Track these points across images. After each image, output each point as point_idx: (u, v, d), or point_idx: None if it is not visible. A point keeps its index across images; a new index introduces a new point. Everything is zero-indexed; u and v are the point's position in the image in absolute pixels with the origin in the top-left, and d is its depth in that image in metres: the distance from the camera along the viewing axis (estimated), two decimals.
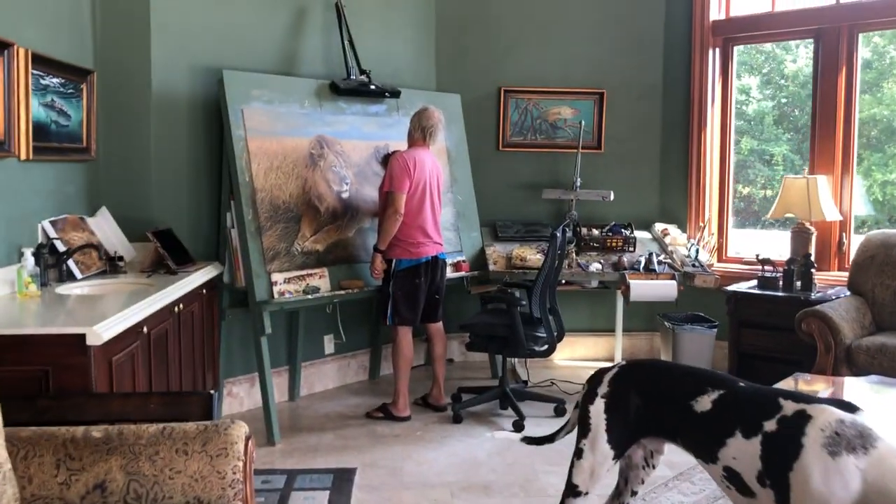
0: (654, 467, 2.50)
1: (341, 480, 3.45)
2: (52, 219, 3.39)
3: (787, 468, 1.93)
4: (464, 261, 4.92)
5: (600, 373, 2.41)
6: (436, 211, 4.33)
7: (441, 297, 4.42)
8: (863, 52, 4.90)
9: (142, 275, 3.58)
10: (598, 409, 2.32)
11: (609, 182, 5.38)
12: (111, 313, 2.61)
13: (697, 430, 2.17)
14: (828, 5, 4.90)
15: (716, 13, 5.34)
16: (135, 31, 3.94)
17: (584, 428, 2.35)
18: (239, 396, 4.45)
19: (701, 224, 5.39)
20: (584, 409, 2.36)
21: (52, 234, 3.33)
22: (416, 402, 4.51)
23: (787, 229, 4.93)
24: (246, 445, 2.14)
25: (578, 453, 2.35)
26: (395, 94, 4.71)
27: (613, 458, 2.33)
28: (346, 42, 4.59)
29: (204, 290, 3.78)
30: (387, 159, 4.47)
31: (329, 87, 4.45)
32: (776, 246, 5.12)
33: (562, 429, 2.63)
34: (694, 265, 4.94)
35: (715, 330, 4.93)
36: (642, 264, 4.91)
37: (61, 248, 3.32)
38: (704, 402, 2.15)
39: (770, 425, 2.00)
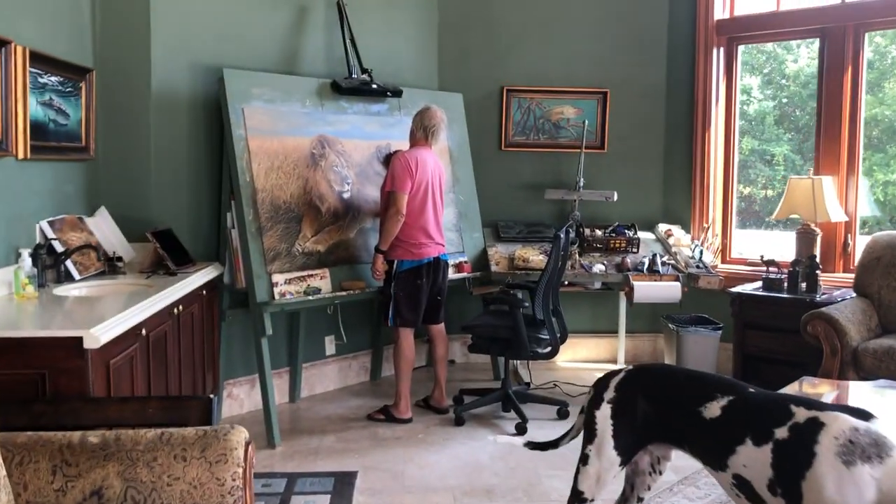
0: (660, 473, 2.46)
1: (342, 484, 3.42)
2: (50, 219, 3.36)
3: (800, 477, 1.89)
4: (466, 262, 4.88)
5: (607, 377, 2.38)
6: (438, 211, 4.29)
7: (443, 298, 4.39)
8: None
9: (141, 276, 3.55)
10: (604, 415, 2.29)
11: (612, 182, 5.34)
12: (109, 315, 2.57)
13: (706, 437, 2.13)
14: (833, 4, 4.86)
15: (720, 12, 5.30)
16: (134, 29, 3.91)
17: (589, 433, 2.32)
18: (239, 398, 4.42)
19: (705, 225, 5.35)
20: (590, 414, 2.33)
21: (50, 234, 3.29)
22: (418, 403, 4.48)
23: (789, 230, 4.89)
24: (246, 451, 2.09)
25: (584, 459, 2.32)
26: (397, 93, 4.68)
27: (620, 465, 2.29)
28: (347, 41, 4.56)
29: (204, 291, 3.75)
30: (388, 159, 4.43)
31: (331, 86, 4.41)
32: (780, 247, 5.09)
33: (566, 434, 2.60)
34: (698, 266, 4.90)
35: (719, 332, 4.89)
36: (646, 265, 4.88)
37: (59, 248, 3.28)
38: (713, 409, 2.12)
39: (781, 433, 1.97)
